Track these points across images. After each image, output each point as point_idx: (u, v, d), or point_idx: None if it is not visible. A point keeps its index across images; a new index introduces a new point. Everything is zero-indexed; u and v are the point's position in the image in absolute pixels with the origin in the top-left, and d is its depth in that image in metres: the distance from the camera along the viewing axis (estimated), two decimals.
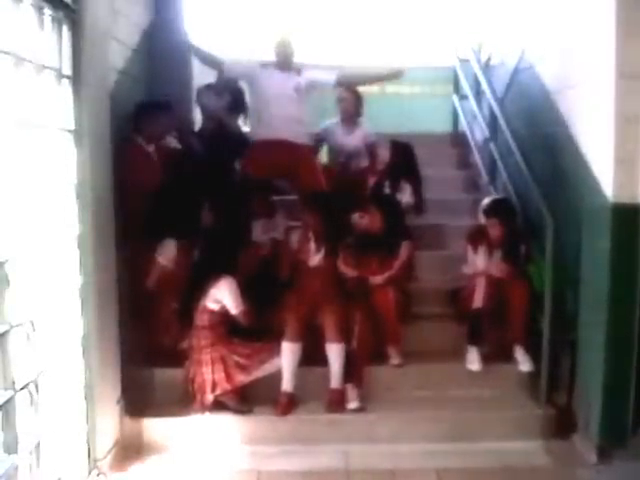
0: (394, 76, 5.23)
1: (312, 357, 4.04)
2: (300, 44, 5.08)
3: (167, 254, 4.17)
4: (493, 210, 4.43)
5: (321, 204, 4.33)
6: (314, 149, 5.15)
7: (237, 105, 5.23)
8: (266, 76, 4.86)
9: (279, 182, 5.08)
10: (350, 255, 4.32)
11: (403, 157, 5.26)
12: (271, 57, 4.96)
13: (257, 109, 4.96)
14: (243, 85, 5.28)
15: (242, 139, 5.18)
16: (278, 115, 4.76)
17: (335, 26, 8.23)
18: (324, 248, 4.30)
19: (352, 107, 5.23)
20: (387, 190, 5.12)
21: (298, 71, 4.92)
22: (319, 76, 4.98)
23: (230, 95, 5.20)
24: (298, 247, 4.33)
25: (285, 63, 4.89)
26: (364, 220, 4.49)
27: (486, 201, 4.62)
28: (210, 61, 5.05)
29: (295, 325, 3.99)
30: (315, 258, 4.31)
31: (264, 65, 4.94)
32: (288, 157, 4.75)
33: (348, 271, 4.30)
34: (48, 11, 2.99)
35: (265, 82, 4.84)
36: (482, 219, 4.52)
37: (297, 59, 4.99)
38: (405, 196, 5.07)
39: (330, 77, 4.96)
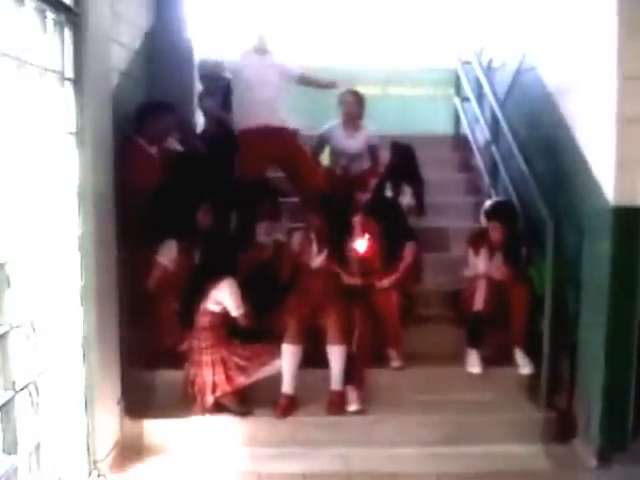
0: (330, 86, 5.32)
1: (312, 359, 4.04)
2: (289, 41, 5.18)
3: (168, 255, 4.18)
4: (495, 212, 4.44)
5: (324, 206, 4.33)
6: (297, 131, 5.18)
7: (229, 103, 5.26)
8: (247, 63, 4.92)
9: (280, 182, 5.11)
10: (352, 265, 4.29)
11: (404, 159, 5.27)
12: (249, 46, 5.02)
13: (239, 94, 4.97)
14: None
15: None
16: (259, 100, 4.82)
17: (338, 28, 8.24)
18: (326, 250, 4.29)
19: (355, 110, 5.23)
20: (388, 192, 5.13)
21: (274, 55, 5.00)
22: (291, 67, 5.05)
23: (222, 95, 5.23)
24: (300, 249, 4.32)
25: (262, 47, 4.95)
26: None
27: (488, 203, 4.63)
28: (213, 68, 5.11)
29: (296, 327, 3.98)
30: (317, 260, 4.30)
31: (244, 53, 4.99)
32: (281, 147, 4.86)
33: (353, 280, 4.27)
34: (50, 14, 2.99)
35: (246, 68, 4.89)
36: (484, 221, 4.52)
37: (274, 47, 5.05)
38: (406, 198, 5.08)
39: (297, 72, 5.06)
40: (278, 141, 4.85)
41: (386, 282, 4.31)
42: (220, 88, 5.27)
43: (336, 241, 4.28)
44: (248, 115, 4.86)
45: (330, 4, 8.15)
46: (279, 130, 4.89)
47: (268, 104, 4.83)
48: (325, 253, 4.28)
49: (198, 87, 5.42)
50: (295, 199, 5.05)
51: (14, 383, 2.60)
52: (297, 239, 4.37)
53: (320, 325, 4.07)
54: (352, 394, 4.01)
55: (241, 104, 4.94)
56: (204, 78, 5.34)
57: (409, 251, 4.46)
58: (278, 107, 4.92)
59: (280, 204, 4.78)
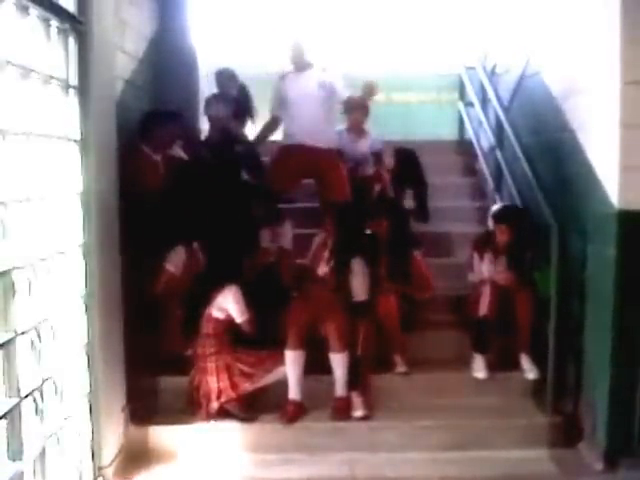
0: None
1: (320, 365, 4.02)
2: (312, 43, 5.12)
3: (175, 261, 4.19)
4: (504, 216, 4.44)
5: (343, 217, 4.30)
6: (338, 152, 5.11)
7: (243, 112, 5.28)
8: (287, 82, 4.98)
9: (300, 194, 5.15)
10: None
11: (407, 164, 5.29)
12: (287, 63, 5.05)
13: (286, 112, 5.03)
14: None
15: (248, 146, 5.23)
16: (300, 117, 4.87)
17: (342, 34, 8.27)
18: (333, 260, 4.23)
19: (361, 117, 5.31)
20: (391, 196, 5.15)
21: (323, 69, 4.98)
22: (336, 87, 4.98)
23: (235, 102, 5.25)
24: (314, 253, 4.31)
25: (300, 64, 4.96)
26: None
27: (496, 207, 4.64)
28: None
29: (296, 333, 3.96)
30: (324, 268, 4.27)
31: (283, 75, 5.04)
32: (311, 165, 4.89)
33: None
34: (54, 22, 3.01)
35: (287, 88, 4.96)
36: (491, 225, 4.52)
37: (314, 57, 5.03)
38: (408, 202, 5.10)
39: (339, 93, 4.99)
40: (310, 160, 4.87)
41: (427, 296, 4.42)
42: (234, 97, 5.32)
43: (344, 254, 4.21)
44: (289, 131, 4.97)
45: (334, 11, 8.20)
46: (314, 150, 4.88)
47: (309, 120, 4.84)
48: (332, 263, 4.22)
49: (204, 94, 5.45)
50: (301, 205, 5.07)
51: (19, 390, 2.60)
52: (316, 242, 4.36)
53: (321, 333, 4.04)
54: (357, 400, 4.00)
55: (286, 120, 5.02)
56: (219, 85, 5.42)
57: (421, 260, 4.50)
58: (320, 123, 4.88)
59: (280, 209, 4.77)
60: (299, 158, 4.90)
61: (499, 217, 4.45)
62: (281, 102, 5.00)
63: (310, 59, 4.98)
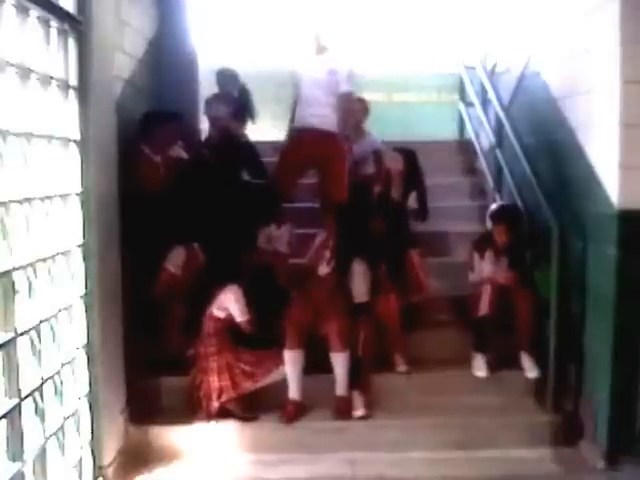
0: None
1: (320, 364, 4.02)
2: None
3: (175, 261, 4.19)
4: (501, 216, 4.44)
5: (344, 217, 4.30)
6: (343, 138, 5.02)
7: (243, 112, 5.28)
8: (300, 69, 5.02)
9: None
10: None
11: (411, 165, 5.28)
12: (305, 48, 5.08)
13: (298, 101, 5.05)
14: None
15: (248, 146, 5.23)
16: (309, 100, 4.89)
17: (343, 33, 8.26)
18: (334, 261, 4.22)
19: (361, 117, 5.30)
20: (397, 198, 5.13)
21: (334, 55, 4.97)
22: (341, 77, 4.95)
23: (235, 102, 5.25)
24: (315, 253, 4.31)
25: (317, 48, 4.97)
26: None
27: (494, 207, 4.64)
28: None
29: (295, 333, 3.97)
30: (324, 268, 4.26)
31: (303, 59, 5.07)
32: (316, 150, 4.86)
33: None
34: (54, 23, 3.01)
35: (300, 73, 5.00)
36: (489, 224, 4.52)
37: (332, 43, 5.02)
38: (411, 202, 5.09)
39: (343, 87, 4.95)
40: (317, 144, 4.85)
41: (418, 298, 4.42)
42: (234, 96, 5.32)
43: (345, 254, 4.22)
44: (297, 116, 4.97)
45: (334, 11, 8.18)
46: (323, 133, 4.85)
47: (314, 103, 4.86)
48: (332, 264, 4.21)
49: (204, 94, 5.45)
50: (303, 205, 5.06)
51: (19, 389, 2.60)
52: (317, 242, 4.35)
53: (322, 333, 4.04)
54: (358, 399, 4.00)
55: (298, 104, 5.03)
56: (219, 84, 5.43)
57: (417, 260, 4.49)
58: (325, 107, 4.87)
59: (282, 210, 4.76)
60: (307, 142, 4.87)
61: (496, 217, 4.45)
62: (297, 94, 5.03)
63: (326, 43, 4.98)
